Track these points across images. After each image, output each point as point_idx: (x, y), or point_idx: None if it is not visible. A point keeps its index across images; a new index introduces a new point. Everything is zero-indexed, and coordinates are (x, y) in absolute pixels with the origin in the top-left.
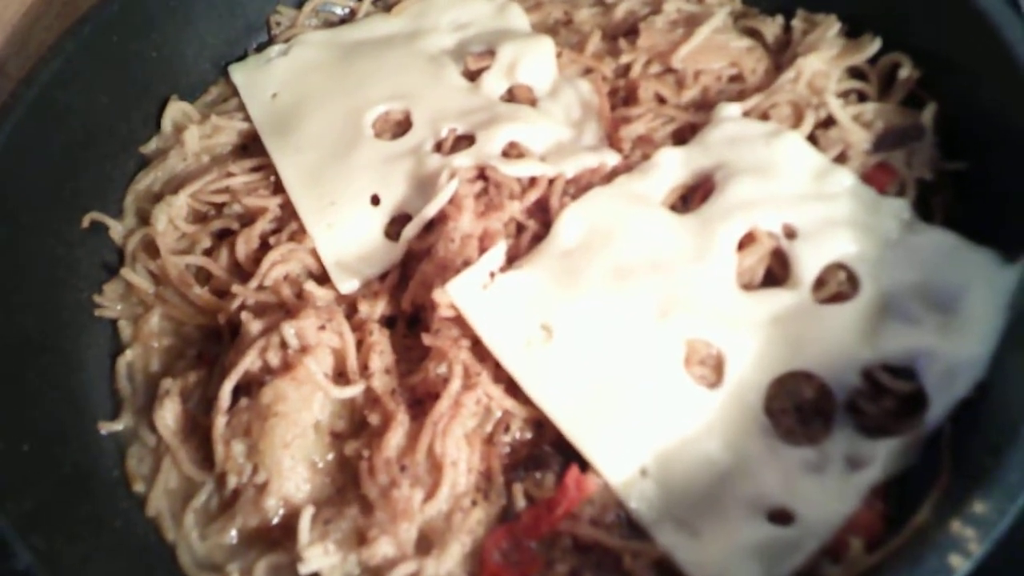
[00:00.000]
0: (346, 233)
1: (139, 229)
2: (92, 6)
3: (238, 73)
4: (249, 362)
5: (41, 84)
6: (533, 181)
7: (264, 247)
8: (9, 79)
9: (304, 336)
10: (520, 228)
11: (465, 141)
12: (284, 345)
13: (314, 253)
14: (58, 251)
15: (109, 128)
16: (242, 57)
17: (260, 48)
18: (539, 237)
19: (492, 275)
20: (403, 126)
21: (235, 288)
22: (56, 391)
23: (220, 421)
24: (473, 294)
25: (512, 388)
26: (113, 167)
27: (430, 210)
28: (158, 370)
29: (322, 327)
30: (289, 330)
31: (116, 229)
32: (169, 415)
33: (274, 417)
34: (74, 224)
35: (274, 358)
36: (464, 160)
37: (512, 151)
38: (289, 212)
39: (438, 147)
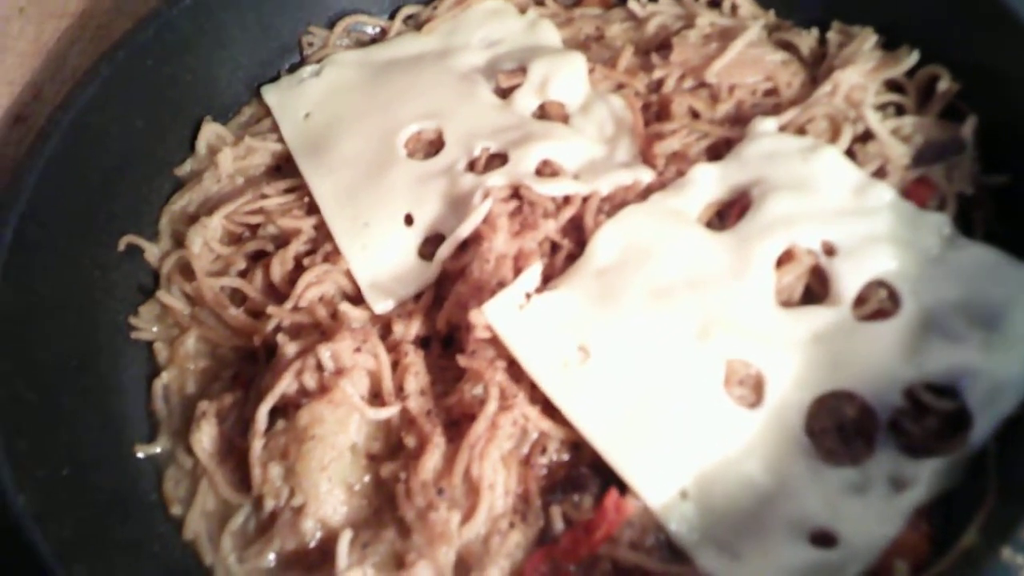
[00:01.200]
0: (380, 254)
1: (174, 251)
2: (127, 31)
3: (271, 94)
4: (285, 385)
5: (77, 109)
6: (567, 199)
7: (299, 268)
8: (45, 104)
9: (340, 358)
10: (555, 247)
11: (498, 160)
12: (320, 367)
13: (349, 274)
14: (95, 274)
15: (144, 151)
16: (275, 78)
17: (293, 69)
18: (574, 256)
19: (528, 296)
20: (436, 145)
21: (270, 309)
22: (94, 415)
23: (257, 444)
24: (509, 315)
25: (549, 409)
26: (149, 190)
27: (464, 230)
28: (194, 392)
29: (357, 349)
30: (325, 352)
31: (152, 251)
32: (206, 437)
33: (311, 440)
34: (111, 247)
35: (310, 380)
36: (498, 179)
37: (546, 169)
38: (323, 233)
39: (471, 166)
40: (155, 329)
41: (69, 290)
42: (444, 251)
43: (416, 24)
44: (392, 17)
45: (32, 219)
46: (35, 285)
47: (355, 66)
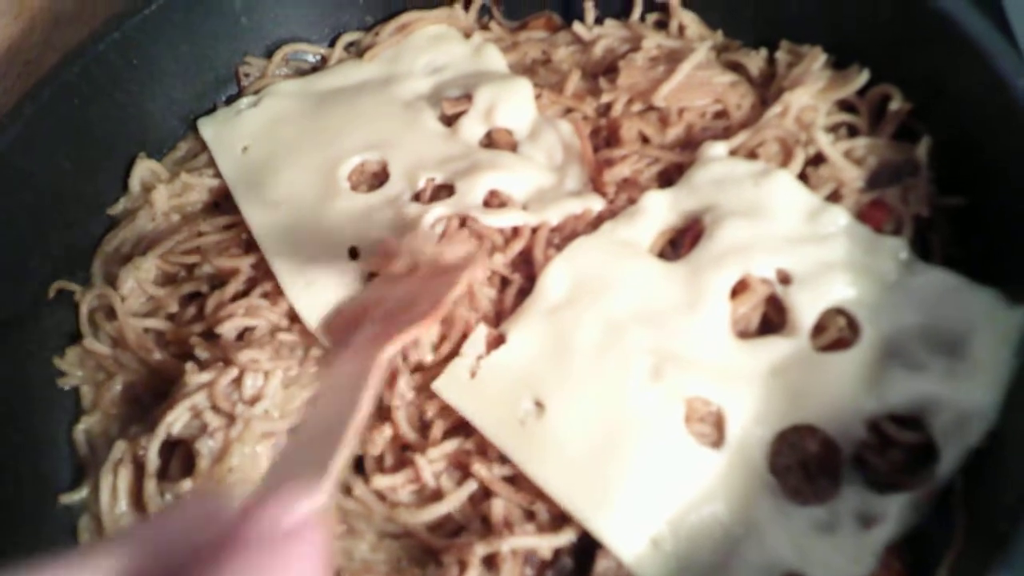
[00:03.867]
0: (325, 289)
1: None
2: (51, 67)
3: (207, 127)
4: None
5: (1, 151)
6: (516, 231)
7: None
8: None
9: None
10: (505, 282)
11: (444, 191)
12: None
13: (289, 313)
14: (27, 325)
15: (75, 192)
16: (212, 110)
17: (230, 101)
18: (524, 291)
19: (478, 358)
20: (380, 177)
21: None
22: (25, 469)
23: (150, 486)
24: (460, 387)
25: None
26: (83, 232)
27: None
28: (117, 436)
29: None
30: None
31: (86, 298)
32: (122, 482)
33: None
34: (42, 295)
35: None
36: (443, 209)
37: (493, 200)
38: (263, 271)
39: (416, 198)
40: (80, 373)
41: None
42: None
43: (358, 51)
44: (332, 45)
45: None
46: None
47: (295, 96)
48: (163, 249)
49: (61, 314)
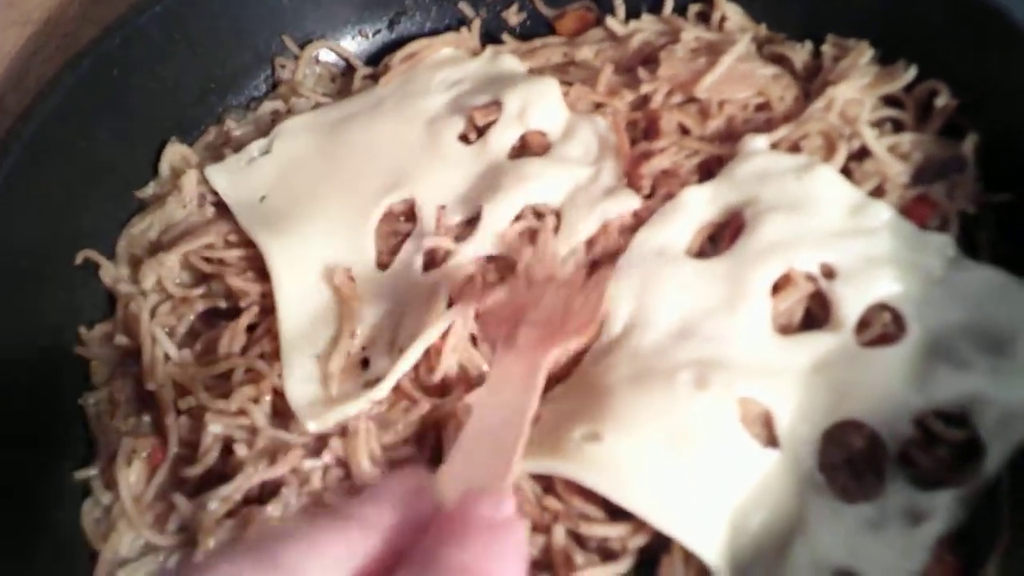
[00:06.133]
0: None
1: (128, 283)
2: (92, 38)
3: (219, 177)
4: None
5: (39, 121)
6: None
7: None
8: (7, 115)
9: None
10: None
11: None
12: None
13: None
14: (60, 296)
15: (111, 166)
16: (241, 90)
17: (260, 97)
18: None
19: None
20: (407, 216)
21: (209, 416)
22: (59, 446)
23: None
24: None
25: None
26: (116, 207)
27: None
28: (120, 423)
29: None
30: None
31: (108, 270)
32: (133, 475)
33: None
34: (75, 267)
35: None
36: (474, 247)
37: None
38: (271, 302)
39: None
40: (97, 350)
41: (34, 313)
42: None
43: (374, 76)
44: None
45: None
46: None
47: (308, 132)
48: (188, 247)
49: (95, 286)
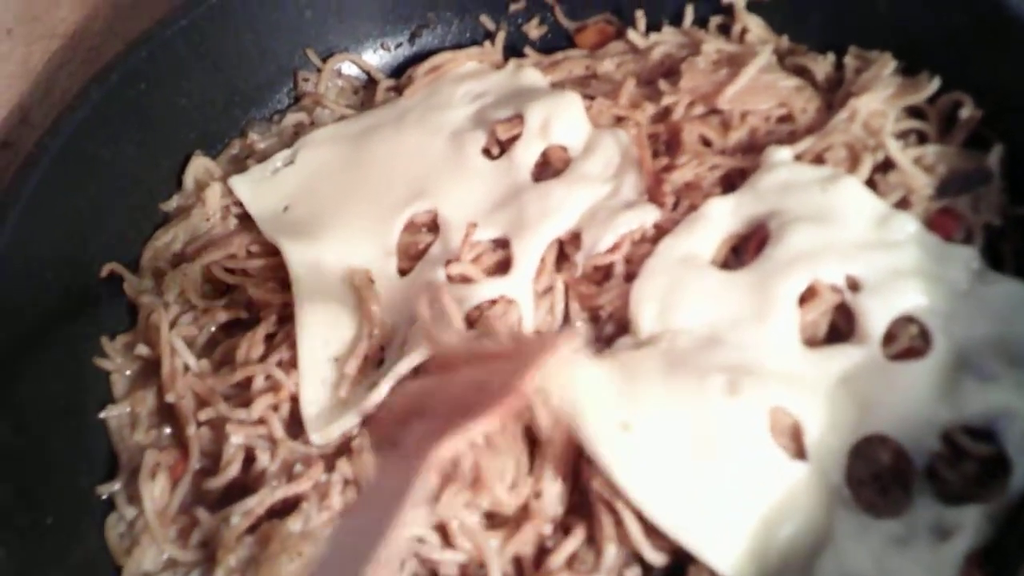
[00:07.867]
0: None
1: (151, 295)
2: (119, 52)
3: (242, 187)
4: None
5: (66, 134)
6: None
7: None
8: (33, 129)
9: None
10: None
11: (500, 245)
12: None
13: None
14: (84, 309)
15: (136, 178)
16: (264, 104)
17: (290, 96)
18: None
19: None
20: (430, 227)
21: (230, 427)
22: (83, 460)
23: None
24: None
25: None
26: (141, 219)
27: (402, 366)
28: (142, 438)
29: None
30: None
31: (132, 282)
32: (157, 488)
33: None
34: (99, 280)
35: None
36: (504, 287)
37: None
38: (290, 312)
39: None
40: (119, 361)
41: (58, 325)
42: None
43: (397, 88)
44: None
45: (18, 249)
46: (21, 319)
47: (331, 144)
48: (211, 258)
49: (118, 299)
